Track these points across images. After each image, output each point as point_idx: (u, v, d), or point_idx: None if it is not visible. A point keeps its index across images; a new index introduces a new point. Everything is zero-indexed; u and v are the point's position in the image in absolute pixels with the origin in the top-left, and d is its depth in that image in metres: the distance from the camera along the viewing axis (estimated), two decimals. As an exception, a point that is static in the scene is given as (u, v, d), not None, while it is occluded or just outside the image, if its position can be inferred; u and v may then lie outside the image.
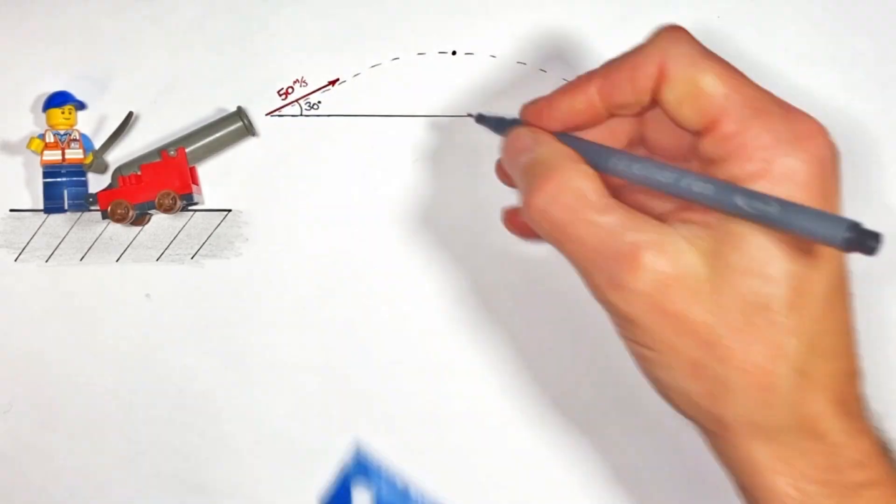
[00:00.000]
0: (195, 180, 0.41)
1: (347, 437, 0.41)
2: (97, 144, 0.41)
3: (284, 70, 0.41)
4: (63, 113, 0.40)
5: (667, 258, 0.27)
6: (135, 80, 0.41)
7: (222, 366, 0.41)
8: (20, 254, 0.41)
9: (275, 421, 0.41)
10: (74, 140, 0.40)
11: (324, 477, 0.41)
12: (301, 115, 0.41)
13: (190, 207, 0.41)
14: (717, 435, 0.29)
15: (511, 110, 0.41)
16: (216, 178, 0.41)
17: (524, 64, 0.41)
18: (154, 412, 0.41)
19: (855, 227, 0.24)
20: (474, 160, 0.41)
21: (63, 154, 0.40)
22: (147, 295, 0.41)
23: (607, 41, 0.41)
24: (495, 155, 0.41)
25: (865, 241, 0.24)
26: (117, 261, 0.41)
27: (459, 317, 0.41)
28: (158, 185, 0.40)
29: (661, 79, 0.29)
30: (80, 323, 0.41)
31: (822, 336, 0.28)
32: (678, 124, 0.29)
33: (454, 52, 0.41)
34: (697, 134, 0.29)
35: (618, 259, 0.27)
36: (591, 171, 0.29)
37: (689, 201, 0.28)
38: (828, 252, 0.27)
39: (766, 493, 0.28)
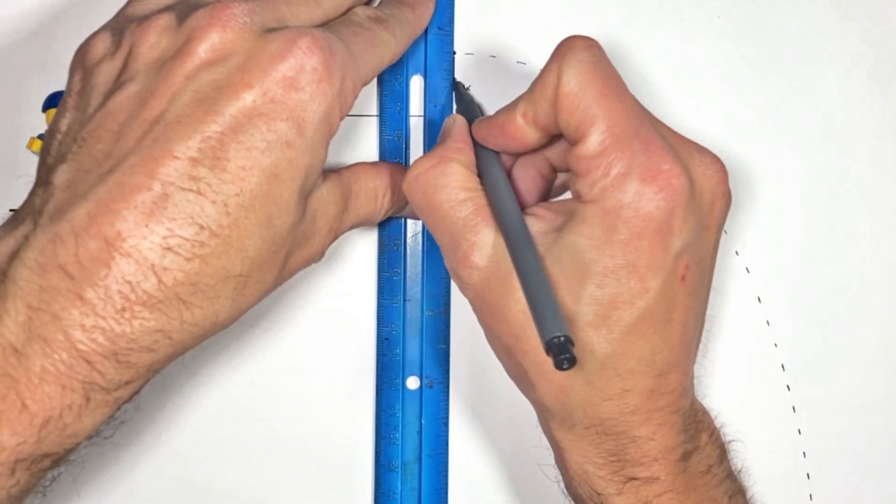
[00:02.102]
0: (195, 180, 0.41)
1: (347, 437, 0.41)
2: (97, 144, 0.41)
3: (284, 70, 0.41)
4: (63, 113, 0.40)
5: (491, 260, 0.31)
6: (135, 80, 0.41)
7: (222, 365, 0.41)
8: (20, 254, 0.41)
9: (275, 421, 0.41)
10: (74, 140, 0.40)
11: (325, 477, 0.41)
12: (301, 115, 0.41)
13: (190, 207, 0.41)
14: (533, 408, 0.34)
15: (511, 110, 0.41)
16: (216, 178, 0.41)
17: (524, 64, 0.41)
18: (154, 412, 0.41)
19: (558, 343, 0.27)
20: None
21: (63, 154, 0.40)
22: (147, 295, 0.41)
23: (608, 41, 0.41)
24: (495, 155, 0.41)
25: (560, 356, 0.26)
26: (117, 261, 0.41)
27: (459, 316, 0.41)
28: (158, 185, 0.39)
29: (556, 92, 0.31)
30: (80, 323, 0.41)
31: (620, 357, 0.30)
32: (563, 132, 0.31)
33: (454, 53, 0.41)
34: (571, 144, 0.31)
35: (457, 252, 0.32)
36: (465, 171, 0.33)
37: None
38: (649, 288, 0.30)
39: (561, 465, 0.34)
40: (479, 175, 0.34)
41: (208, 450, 0.41)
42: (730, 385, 0.41)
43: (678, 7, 0.42)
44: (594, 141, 0.30)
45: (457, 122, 0.36)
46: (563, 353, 0.26)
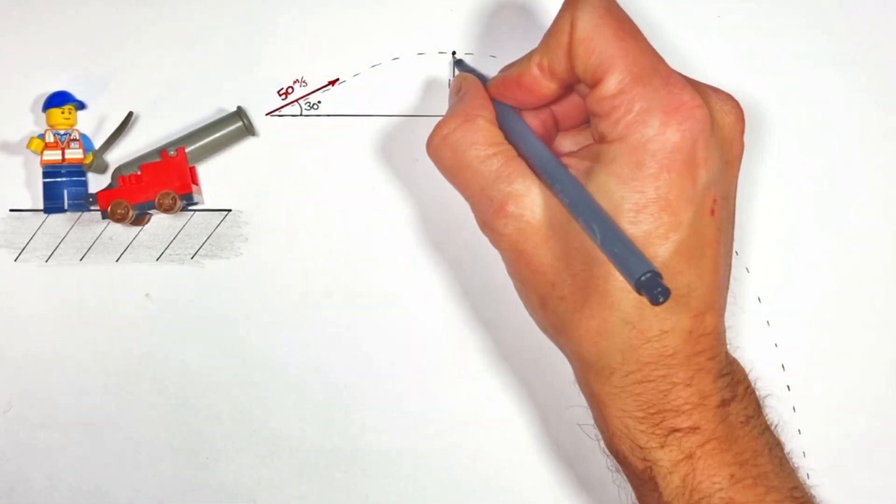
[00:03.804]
0: (195, 180, 0.41)
1: (347, 437, 0.41)
2: (97, 144, 0.41)
3: (284, 70, 0.41)
4: (63, 113, 0.40)
5: (526, 208, 0.32)
6: (135, 80, 0.41)
7: (222, 366, 0.41)
8: (20, 254, 0.41)
9: (275, 421, 0.41)
10: (74, 140, 0.40)
11: (324, 477, 0.41)
12: (301, 115, 0.41)
13: (190, 207, 0.41)
14: (570, 363, 0.34)
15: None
16: (216, 178, 0.41)
17: (524, 64, 0.41)
18: (154, 412, 0.41)
19: (649, 279, 0.26)
20: (474, 160, 0.41)
21: (63, 154, 0.40)
22: (147, 295, 0.41)
23: (607, 41, 0.41)
24: (495, 155, 0.41)
25: (654, 290, 0.26)
26: (117, 261, 0.41)
27: (459, 316, 0.41)
28: (158, 185, 0.40)
29: (571, 38, 0.31)
30: (80, 323, 0.41)
31: None
32: (579, 78, 0.32)
33: (454, 52, 0.41)
34: (590, 87, 0.31)
35: (491, 204, 0.32)
36: (491, 126, 0.33)
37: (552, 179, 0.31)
38: (681, 222, 0.29)
39: (601, 421, 0.33)
40: (502, 129, 0.34)
41: (208, 450, 0.41)
42: (730, 385, 0.41)
43: (678, 7, 0.42)
44: (614, 80, 0.30)
45: (468, 79, 0.36)
46: (655, 287, 0.26)
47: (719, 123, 0.31)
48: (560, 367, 0.41)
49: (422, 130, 0.41)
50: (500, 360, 0.41)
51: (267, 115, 0.41)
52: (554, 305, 0.32)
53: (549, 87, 0.33)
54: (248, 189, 0.41)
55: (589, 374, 0.32)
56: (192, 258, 0.41)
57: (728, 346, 0.33)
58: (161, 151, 0.40)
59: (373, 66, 0.41)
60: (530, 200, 0.32)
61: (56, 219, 0.41)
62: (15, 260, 0.41)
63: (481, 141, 0.33)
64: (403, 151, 0.41)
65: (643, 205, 0.29)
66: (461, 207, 0.41)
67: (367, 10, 0.41)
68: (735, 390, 0.32)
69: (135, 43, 0.41)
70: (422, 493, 0.41)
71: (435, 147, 0.34)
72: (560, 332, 0.33)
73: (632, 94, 0.30)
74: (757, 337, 0.41)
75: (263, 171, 0.41)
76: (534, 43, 0.41)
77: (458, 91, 0.36)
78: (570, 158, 0.33)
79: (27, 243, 0.41)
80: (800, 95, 0.42)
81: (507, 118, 0.34)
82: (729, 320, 0.41)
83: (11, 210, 0.41)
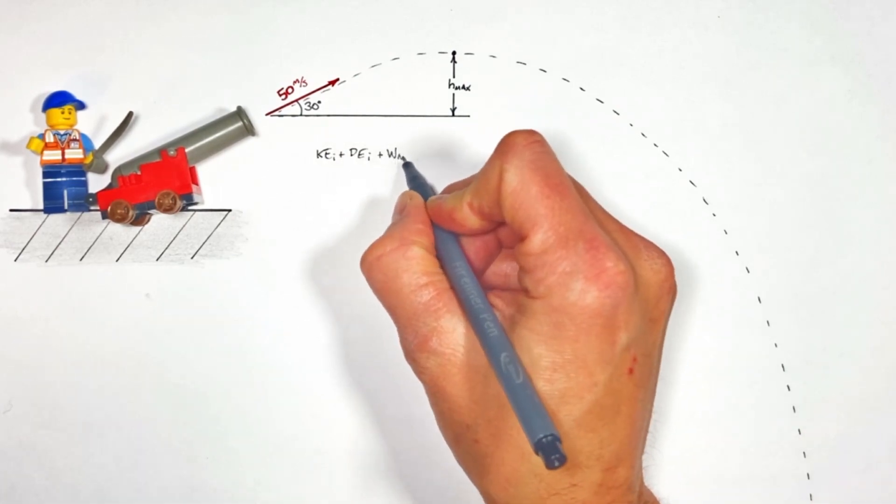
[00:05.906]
0: (195, 180, 0.41)
1: (347, 437, 0.41)
2: (97, 144, 0.41)
3: (284, 70, 0.41)
4: (63, 113, 0.40)
5: (449, 346, 0.32)
6: (135, 80, 0.41)
7: (222, 366, 0.41)
8: (20, 254, 0.41)
9: (275, 421, 0.41)
10: (74, 140, 0.40)
11: (324, 477, 0.41)
12: (301, 115, 0.41)
13: (190, 207, 0.41)
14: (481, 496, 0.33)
15: (510, 111, 0.41)
16: (216, 178, 0.41)
17: (524, 64, 0.41)
18: (154, 412, 0.41)
19: (548, 443, 0.27)
20: (474, 160, 0.41)
21: (63, 154, 0.40)
22: (147, 295, 0.41)
23: (607, 41, 0.41)
24: (495, 155, 0.41)
25: (551, 455, 0.27)
26: (117, 261, 0.41)
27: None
28: (158, 185, 0.40)
29: (499, 189, 0.31)
30: (80, 323, 0.41)
31: (569, 451, 0.30)
32: (509, 227, 0.32)
33: (454, 52, 0.41)
34: (517, 239, 0.32)
35: (416, 336, 0.32)
36: (426, 255, 0.33)
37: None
38: (597, 382, 0.30)
39: None
40: (439, 256, 0.34)
41: (208, 450, 0.41)
42: (730, 385, 0.41)
43: (678, 7, 0.42)
44: (538, 240, 0.30)
45: (414, 199, 0.36)
46: (552, 452, 0.27)
47: (646, 282, 0.31)
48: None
49: (422, 130, 0.41)
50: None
51: (267, 115, 0.41)
52: (468, 446, 0.32)
53: (481, 224, 0.33)
54: (248, 189, 0.41)
55: None
56: (192, 258, 0.41)
57: (645, 484, 0.34)
58: (161, 151, 0.40)
59: (373, 66, 0.41)
60: (454, 339, 0.32)
61: (56, 219, 0.41)
62: (15, 260, 0.41)
63: (414, 269, 0.33)
64: (403, 151, 0.41)
65: (560, 364, 0.29)
66: (461, 207, 0.41)
67: (367, 10, 0.41)
68: None
69: (135, 43, 0.41)
70: (423, 494, 0.41)
71: (368, 266, 0.33)
72: (471, 472, 0.33)
73: (555, 255, 0.30)
74: (757, 337, 0.41)
75: (263, 171, 0.41)
76: (533, 43, 0.41)
77: (401, 210, 0.36)
78: (498, 299, 0.33)
79: (27, 243, 0.41)
80: (800, 95, 0.42)
81: (444, 245, 0.34)
82: (729, 320, 0.41)
83: (11, 210, 0.41)
